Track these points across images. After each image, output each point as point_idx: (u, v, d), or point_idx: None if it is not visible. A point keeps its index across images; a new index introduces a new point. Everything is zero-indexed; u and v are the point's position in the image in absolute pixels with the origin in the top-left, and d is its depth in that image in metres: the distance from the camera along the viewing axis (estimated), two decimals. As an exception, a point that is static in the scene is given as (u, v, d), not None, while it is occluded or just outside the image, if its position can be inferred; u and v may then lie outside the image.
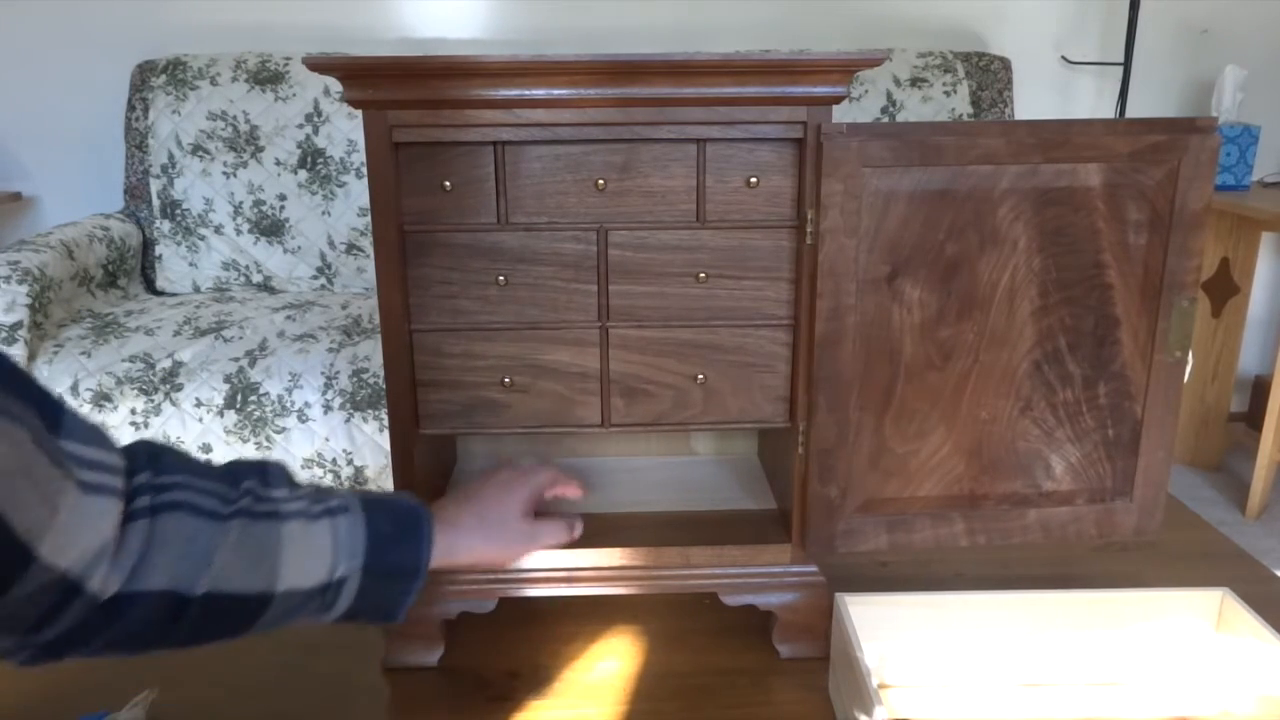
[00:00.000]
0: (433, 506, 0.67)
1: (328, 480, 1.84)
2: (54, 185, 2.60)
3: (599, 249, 0.71)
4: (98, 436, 0.53)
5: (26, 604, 0.49)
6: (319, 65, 0.65)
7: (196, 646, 0.56)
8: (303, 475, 1.84)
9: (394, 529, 0.63)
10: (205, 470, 0.57)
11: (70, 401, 1.82)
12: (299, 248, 2.38)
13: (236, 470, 0.59)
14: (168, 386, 1.82)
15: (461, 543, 0.67)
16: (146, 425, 1.82)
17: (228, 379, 1.83)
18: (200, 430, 1.82)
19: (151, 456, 0.56)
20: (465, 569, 0.72)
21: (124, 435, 1.82)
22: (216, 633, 0.57)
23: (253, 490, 0.58)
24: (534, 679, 0.76)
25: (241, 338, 1.93)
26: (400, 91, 0.66)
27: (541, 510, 0.73)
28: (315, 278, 2.40)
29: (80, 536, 0.49)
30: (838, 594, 0.72)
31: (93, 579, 0.50)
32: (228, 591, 0.55)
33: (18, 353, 1.83)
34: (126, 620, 0.52)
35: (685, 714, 0.72)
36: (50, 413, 0.51)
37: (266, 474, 0.60)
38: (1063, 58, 2.71)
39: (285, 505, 0.59)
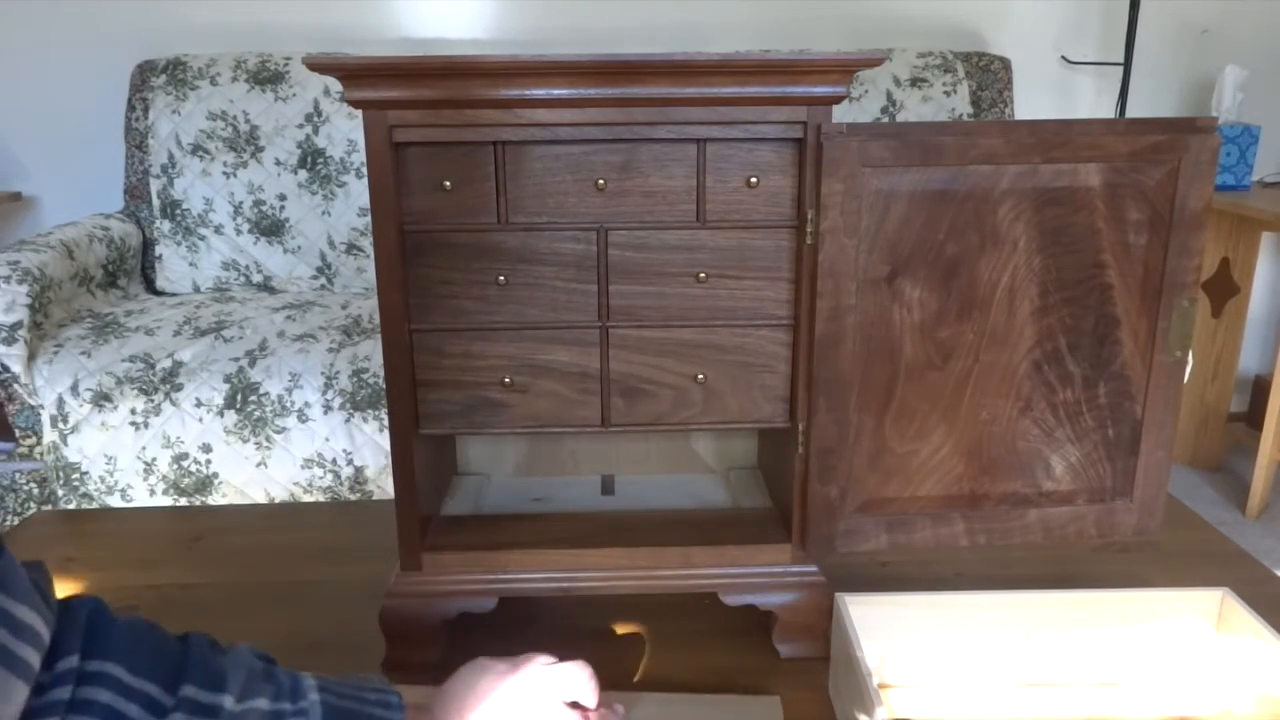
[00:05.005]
0: (421, 710, 0.59)
1: (328, 480, 1.84)
2: (54, 185, 2.60)
3: (599, 249, 0.71)
4: (33, 594, 0.46)
5: None
6: (319, 65, 0.66)
7: None
8: (302, 475, 1.84)
9: None
10: (147, 657, 0.50)
11: (70, 402, 1.82)
12: (299, 248, 2.38)
13: (186, 663, 0.51)
14: (168, 386, 1.82)
15: None
16: (147, 425, 1.82)
17: (228, 379, 1.83)
18: (200, 430, 1.83)
19: (89, 630, 0.49)
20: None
21: (124, 435, 1.82)
22: None
23: (192, 698, 0.50)
24: (534, 679, 0.76)
25: (241, 338, 1.93)
26: (400, 91, 0.66)
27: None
28: (315, 278, 2.40)
29: None
30: (838, 594, 0.72)
31: None
32: None
33: (17, 353, 1.83)
34: None
35: (685, 714, 0.72)
36: None
37: (223, 675, 0.52)
38: (1063, 58, 2.71)
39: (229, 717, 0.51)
